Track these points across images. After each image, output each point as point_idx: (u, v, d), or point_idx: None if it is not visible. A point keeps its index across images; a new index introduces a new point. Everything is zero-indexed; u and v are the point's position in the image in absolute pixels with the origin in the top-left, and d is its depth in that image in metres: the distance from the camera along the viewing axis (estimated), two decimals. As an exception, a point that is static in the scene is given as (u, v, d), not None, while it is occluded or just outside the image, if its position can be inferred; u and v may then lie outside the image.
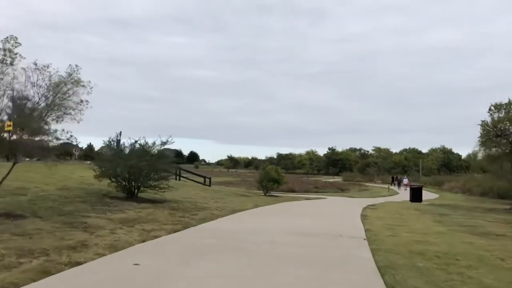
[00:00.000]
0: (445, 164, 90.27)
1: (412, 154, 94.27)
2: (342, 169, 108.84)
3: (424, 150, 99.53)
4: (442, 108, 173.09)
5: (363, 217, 15.93)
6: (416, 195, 27.68)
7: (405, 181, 47.25)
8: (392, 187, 60.33)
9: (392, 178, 66.51)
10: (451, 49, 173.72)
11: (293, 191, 42.59)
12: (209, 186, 30.81)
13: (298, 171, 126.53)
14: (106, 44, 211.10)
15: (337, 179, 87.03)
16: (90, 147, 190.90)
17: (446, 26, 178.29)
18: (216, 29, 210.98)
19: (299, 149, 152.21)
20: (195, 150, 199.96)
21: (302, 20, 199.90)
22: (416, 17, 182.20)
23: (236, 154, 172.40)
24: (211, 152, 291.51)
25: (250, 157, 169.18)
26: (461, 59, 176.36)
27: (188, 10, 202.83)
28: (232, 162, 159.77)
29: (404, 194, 41.92)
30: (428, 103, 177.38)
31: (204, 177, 31.86)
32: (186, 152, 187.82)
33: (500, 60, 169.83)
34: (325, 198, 29.90)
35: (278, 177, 26.99)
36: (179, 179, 30.31)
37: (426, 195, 39.70)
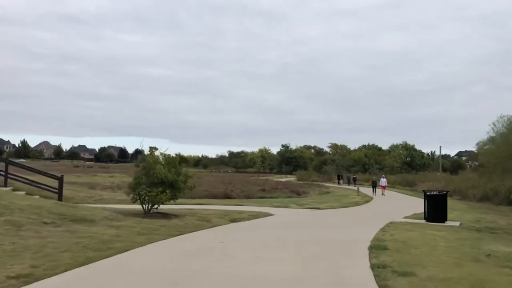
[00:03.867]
0: (408, 162, 79.56)
1: (372, 151, 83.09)
2: (296, 167, 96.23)
3: (385, 147, 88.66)
4: (391, 109, 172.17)
5: None
6: (437, 210, 14.37)
7: (383, 181, 34.39)
8: (344, 185, 51.87)
9: (339, 176, 60.57)
10: (399, 53, 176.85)
11: (228, 197, 28.56)
12: (59, 195, 16.08)
13: (250, 170, 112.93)
14: (57, 40, 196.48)
15: (291, 178, 74.55)
16: (24, 144, 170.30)
17: (395, 32, 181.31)
18: (171, 28, 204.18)
19: (253, 148, 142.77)
20: (146, 149, 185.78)
21: (257, 22, 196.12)
22: (367, 22, 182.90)
23: (191, 153, 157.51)
24: (163, 151, 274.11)
25: (200, 156, 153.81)
26: (408, 63, 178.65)
27: (143, 8, 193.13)
28: (180, 161, 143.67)
29: (384, 200, 28.89)
30: (378, 104, 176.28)
31: (57, 178, 16.94)
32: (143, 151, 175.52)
33: (444, 64, 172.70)
34: (270, 215, 16.01)
35: (175, 177, 12.80)
36: (5, 182, 15.56)
37: (410, 202, 26.90)
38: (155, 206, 13.22)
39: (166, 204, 13.61)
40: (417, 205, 26.32)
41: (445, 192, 14.73)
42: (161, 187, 12.56)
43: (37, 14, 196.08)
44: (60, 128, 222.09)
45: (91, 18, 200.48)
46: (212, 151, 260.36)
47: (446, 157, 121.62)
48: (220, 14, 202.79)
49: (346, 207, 22.94)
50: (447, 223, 14.40)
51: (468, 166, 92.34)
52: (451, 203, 30.69)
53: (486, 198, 30.57)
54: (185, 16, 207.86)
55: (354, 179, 57.44)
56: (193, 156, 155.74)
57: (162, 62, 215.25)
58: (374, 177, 37.78)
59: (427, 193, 14.82)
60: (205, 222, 12.53)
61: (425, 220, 14.80)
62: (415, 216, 16.79)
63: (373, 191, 33.82)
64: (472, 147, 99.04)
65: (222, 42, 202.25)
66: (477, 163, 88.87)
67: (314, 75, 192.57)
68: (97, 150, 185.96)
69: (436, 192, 14.66)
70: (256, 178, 66.48)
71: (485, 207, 25.45)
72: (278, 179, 63.24)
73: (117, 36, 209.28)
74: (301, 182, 58.06)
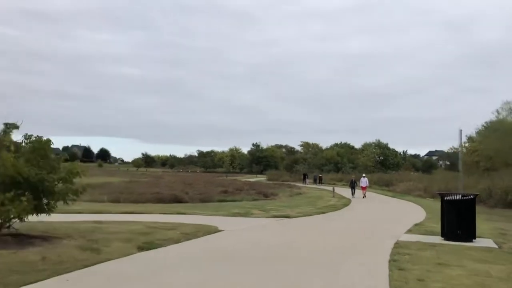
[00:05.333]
0: (381, 161, 75.80)
1: (345, 150, 78.93)
2: (267, 167, 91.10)
3: (357, 145, 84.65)
4: (362, 110, 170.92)
5: None
6: (461, 223, 9.42)
7: (364, 182, 29.54)
8: (309, 185, 49.21)
9: (304, 175, 56.76)
10: (368, 56, 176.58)
11: (179, 201, 23.06)
12: None
13: (219, 169, 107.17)
14: (22, 37, 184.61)
15: (261, 178, 69.49)
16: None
17: (363, 34, 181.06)
18: (142, 27, 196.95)
19: (224, 148, 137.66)
20: (118, 149, 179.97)
21: (228, 22, 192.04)
22: (337, 24, 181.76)
23: (161, 153, 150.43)
24: (134, 151, 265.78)
25: (168, 155, 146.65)
26: (377, 66, 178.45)
27: (113, 7, 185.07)
28: (146, 161, 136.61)
29: (366, 204, 24.07)
30: (348, 106, 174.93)
31: None
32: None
33: (412, 67, 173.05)
34: (216, 231, 10.61)
35: (40, 175, 7.24)
36: None
37: (396, 205, 22.27)
38: (13, 220, 7.65)
39: (63, 211, 8.08)
40: (407, 209, 21.70)
41: (472, 197, 9.81)
42: (13, 190, 7.07)
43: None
44: (22, 126, 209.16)
45: (59, 15, 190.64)
46: (183, 151, 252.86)
47: (416, 156, 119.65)
48: (192, 14, 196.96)
49: (323, 212, 17.91)
50: (477, 242, 9.51)
51: (439, 166, 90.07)
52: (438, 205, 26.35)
53: (479, 200, 26.13)
54: (156, 16, 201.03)
55: (320, 178, 53.32)
56: (161, 156, 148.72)
57: (132, 61, 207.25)
58: (353, 176, 32.41)
59: (446, 198, 9.86)
60: (91, 252, 7.10)
61: (442, 237, 9.87)
62: (421, 230, 11.89)
63: (352, 193, 28.91)
64: (442, 147, 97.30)
65: (193, 42, 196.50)
66: (448, 163, 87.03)
67: (286, 76, 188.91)
68: (60, 150, 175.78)
69: (459, 197, 9.73)
70: (223, 178, 61.18)
71: (484, 212, 20.96)
72: (247, 179, 58.05)
73: (86, 34, 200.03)
74: (271, 182, 53.14)
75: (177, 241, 8.86)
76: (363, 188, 28.93)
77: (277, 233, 10.93)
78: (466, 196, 9.82)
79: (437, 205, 25.74)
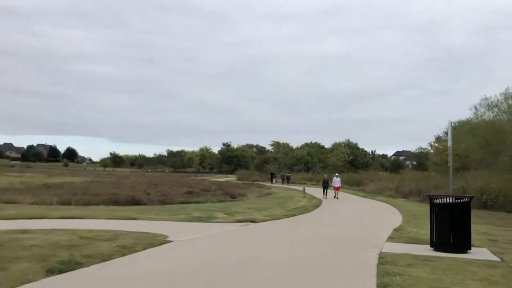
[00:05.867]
0: (351, 160, 75.21)
1: (315, 149, 77.96)
2: (238, 166, 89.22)
3: (327, 144, 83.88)
4: (333, 111, 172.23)
5: None
6: (455, 230, 7.91)
7: (337, 182, 28.02)
8: (276, 184, 47.92)
9: (272, 174, 55.92)
10: (339, 57, 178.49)
11: (136, 203, 20.90)
12: None
13: (189, 169, 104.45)
14: None
15: (231, 178, 67.66)
16: None
17: (334, 36, 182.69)
18: (114, 25, 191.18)
19: (196, 148, 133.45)
20: (88, 148, 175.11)
21: (203, 22, 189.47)
22: (310, 26, 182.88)
23: (130, 153, 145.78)
24: (104, 150, 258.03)
25: (137, 155, 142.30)
26: (348, 67, 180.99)
27: (85, 4, 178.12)
28: (115, 161, 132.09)
29: (338, 205, 22.59)
30: (320, 106, 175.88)
31: None
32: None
33: (380, 69, 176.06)
34: (163, 242, 8.70)
35: None
36: None
37: (370, 206, 20.91)
38: None
39: None
40: (381, 211, 20.26)
41: (467, 199, 8.30)
42: None
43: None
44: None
45: (27, 11, 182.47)
46: (154, 151, 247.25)
47: (384, 156, 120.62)
48: (165, 13, 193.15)
49: (293, 215, 16.27)
50: (473, 253, 8.01)
51: (407, 165, 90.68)
52: (415, 207, 25.21)
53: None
54: (129, 14, 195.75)
55: (288, 178, 52.05)
56: (130, 156, 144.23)
57: (104, 59, 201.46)
58: (325, 176, 30.65)
59: (436, 201, 8.31)
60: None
61: (432, 248, 8.33)
62: (404, 236, 10.35)
63: (324, 193, 27.39)
64: (409, 147, 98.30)
65: (167, 41, 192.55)
66: (415, 162, 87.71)
67: (259, 76, 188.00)
68: (25, 149, 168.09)
69: (451, 199, 8.20)
70: (192, 179, 58.96)
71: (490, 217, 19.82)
72: (217, 179, 56.09)
73: (56, 31, 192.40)
74: (241, 182, 51.42)
75: (108, 257, 6.90)
76: (336, 189, 27.47)
77: (237, 243, 9.12)
78: (460, 199, 8.28)
79: (410, 205, 24.67)
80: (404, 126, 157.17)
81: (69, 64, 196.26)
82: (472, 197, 8.38)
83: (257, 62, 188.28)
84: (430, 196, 8.58)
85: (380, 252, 7.86)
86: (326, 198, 26.06)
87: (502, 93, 19.52)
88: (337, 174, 31.31)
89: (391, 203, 25.01)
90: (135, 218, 13.07)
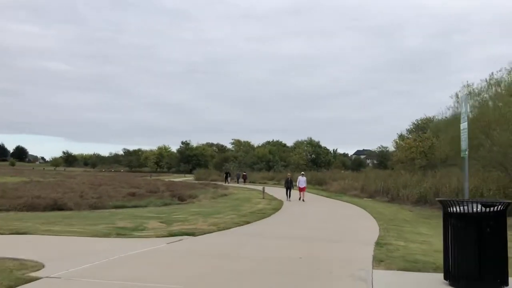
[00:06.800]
0: (313, 159, 73.10)
1: (277, 148, 75.36)
2: (197, 166, 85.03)
3: (289, 143, 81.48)
4: (295, 110, 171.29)
5: None
6: (488, 256, 4.87)
7: (303, 182, 24.81)
8: (232, 183, 45.86)
9: (226, 173, 51.60)
10: (301, 58, 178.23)
11: (60, 208, 17.00)
12: None
13: (145, 169, 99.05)
14: None
15: (189, 177, 63.76)
16: None
17: (296, 37, 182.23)
18: (70, 21, 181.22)
19: (153, 147, 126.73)
20: (42, 148, 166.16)
21: (162, 20, 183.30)
22: (270, 26, 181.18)
23: (85, 152, 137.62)
24: (58, 149, 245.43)
25: (92, 154, 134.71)
26: (309, 68, 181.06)
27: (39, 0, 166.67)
28: (68, 160, 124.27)
29: (302, 207, 19.51)
30: (282, 106, 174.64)
31: None
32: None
33: (341, 70, 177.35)
34: (35, 279, 5.14)
35: None
36: None
37: (338, 209, 17.96)
38: None
39: None
40: (351, 215, 16.97)
41: (502, 207, 5.29)
42: None
43: None
44: None
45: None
46: (110, 150, 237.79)
47: (345, 155, 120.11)
48: (123, 9, 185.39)
49: (247, 222, 13.01)
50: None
51: (367, 164, 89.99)
52: (385, 208, 22.63)
53: (424, 200, 22.86)
54: (84, 9, 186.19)
55: (244, 177, 48.96)
56: (84, 155, 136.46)
57: (59, 56, 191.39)
58: (289, 174, 26.79)
59: (453, 209, 5.27)
60: None
61: (447, 281, 5.29)
62: (395, 257, 7.32)
63: (287, 194, 24.11)
64: (370, 147, 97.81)
65: (125, 38, 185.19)
66: (376, 161, 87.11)
67: (220, 75, 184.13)
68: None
69: (478, 207, 5.16)
70: (146, 178, 54.64)
71: (435, 216, 17.27)
72: (173, 179, 52.13)
73: (8, 26, 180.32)
74: (198, 182, 47.75)
75: None
76: (301, 189, 24.27)
77: (140, 280, 5.71)
78: (490, 207, 5.26)
79: (379, 207, 21.99)
80: (364, 126, 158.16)
81: (21, 60, 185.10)
82: (509, 203, 5.40)
83: (218, 61, 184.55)
84: (443, 202, 5.53)
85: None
86: (289, 201, 22.92)
87: (485, 79, 17.12)
88: (302, 173, 28.14)
89: (359, 204, 22.31)
90: (25, 232, 9.36)
